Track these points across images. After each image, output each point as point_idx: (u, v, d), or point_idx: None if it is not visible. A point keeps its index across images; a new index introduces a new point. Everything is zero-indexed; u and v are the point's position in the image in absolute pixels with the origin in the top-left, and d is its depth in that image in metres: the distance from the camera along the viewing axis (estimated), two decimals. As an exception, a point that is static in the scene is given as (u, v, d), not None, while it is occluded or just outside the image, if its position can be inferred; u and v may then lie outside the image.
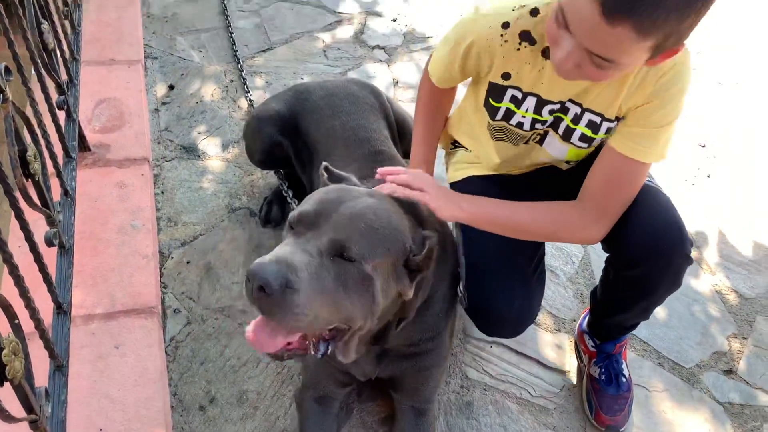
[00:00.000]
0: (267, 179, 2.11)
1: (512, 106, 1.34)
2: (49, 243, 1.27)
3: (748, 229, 2.09)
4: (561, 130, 1.34)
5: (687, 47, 1.11)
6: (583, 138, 1.32)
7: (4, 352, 0.87)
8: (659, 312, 1.83)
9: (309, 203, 1.13)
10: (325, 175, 1.27)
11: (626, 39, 0.98)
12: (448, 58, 1.38)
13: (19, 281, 1.03)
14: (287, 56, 2.70)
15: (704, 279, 1.93)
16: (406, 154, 1.86)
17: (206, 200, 2.04)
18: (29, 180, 1.18)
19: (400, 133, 1.88)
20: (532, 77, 1.28)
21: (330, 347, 1.15)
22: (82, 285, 1.42)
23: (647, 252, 1.29)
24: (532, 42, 1.24)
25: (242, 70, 2.53)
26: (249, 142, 1.90)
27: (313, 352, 1.14)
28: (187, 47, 2.68)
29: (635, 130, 1.22)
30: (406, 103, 2.47)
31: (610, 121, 1.27)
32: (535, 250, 1.45)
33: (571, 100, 1.28)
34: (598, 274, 1.88)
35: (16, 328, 0.93)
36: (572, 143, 1.34)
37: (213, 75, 2.55)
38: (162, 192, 2.03)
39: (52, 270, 1.18)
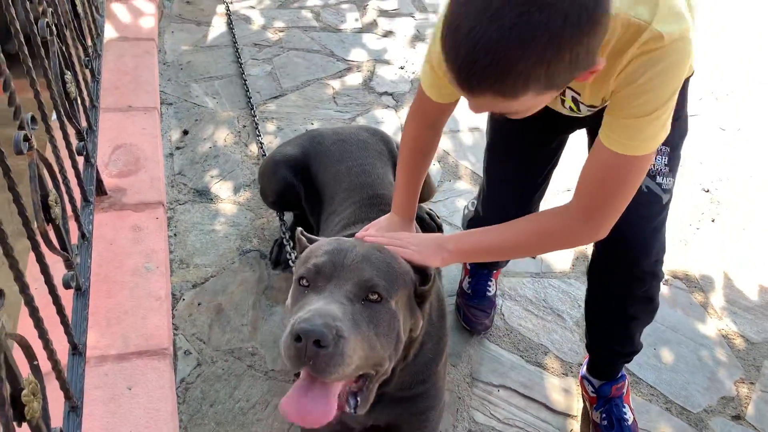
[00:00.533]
0: (277, 222, 2.15)
1: None
2: (67, 285, 1.30)
3: (754, 273, 2.11)
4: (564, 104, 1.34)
5: (672, 32, 1.00)
6: (571, 110, 1.32)
7: (24, 392, 0.90)
8: (666, 356, 1.83)
9: (318, 258, 1.15)
10: (303, 238, 1.31)
11: (500, 101, 0.95)
12: (431, 72, 1.31)
13: (39, 323, 1.07)
14: (298, 102, 2.77)
15: (710, 323, 1.94)
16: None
17: (218, 243, 2.09)
18: (49, 224, 1.23)
19: None
20: None
21: (359, 399, 1.16)
22: (96, 326, 1.45)
23: (609, 263, 1.39)
24: None
25: (255, 116, 2.61)
26: (264, 184, 1.96)
27: (347, 409, 1.14)
28: (201, 94, 2.76)
29: (618, 122, 1.11)
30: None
31: (590, 106, 1.25)
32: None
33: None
34: (604, 318, 1.91)
35: (35, 369, 0.96)
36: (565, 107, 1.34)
37: (226, 120, 2.62)
38: (175, 234, 2.07)
39: (68, 311, 1.21)
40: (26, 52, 1.29)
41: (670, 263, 2.10)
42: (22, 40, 1.28)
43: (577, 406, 1.71)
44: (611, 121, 1.12)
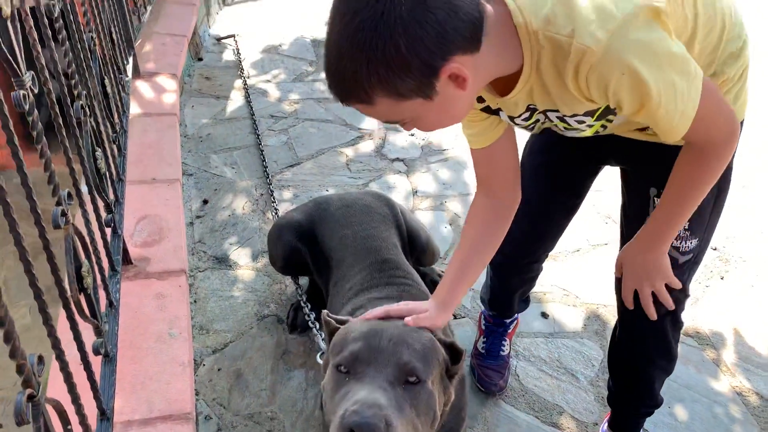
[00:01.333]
0: (293, 287, 2.21)
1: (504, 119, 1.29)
2: (96, 352, 1.36)
3: (765, 329, 2.13)
4: (553, 125, 1.26)
5: (599, 38, 0.95)
6: (566, 129, 1.25)
7: None
8: (680, 414, 1.84)
9: (354, 344, 1.19)
10: (331, 321, 1.33)
11: (365, 107, 1.01)
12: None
13: (72, 389, 1.13)
14: (313, 170, 2.88)
15: (724, 380, 1.95)
16: (417, 262, 1.99)
17: (236, 308, 2.15)
18: (82, 293, 1.30)
19: (412, 242, 1.99)
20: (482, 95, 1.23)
21: None
22: (122, 391, 1.49)
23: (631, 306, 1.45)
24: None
25: (270, 184, 2.71)
26: (271, 249, 2.03)
27: None
28: (221, 164, 2.88)
29: (660, 126, 1.08)
30: (423, 211, 2.61)
31: (575, 115, 1.17)
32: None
33: (527, 107, 1.20)
34: (617, 377, 1.93)
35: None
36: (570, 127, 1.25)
37: (244, 189, 2.72)
38: (195, 301, 2.14)
39: (95, 377, 1.27)
40: (62, 132, 1.39)
41: (687, 322, 2.12)
42: (57, 111, 1.39)
43: (593, 466, 1.72)
44: (660, 129, 1.09)
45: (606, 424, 1.73)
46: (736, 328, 2.13)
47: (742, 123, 1.27)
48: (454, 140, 3.12)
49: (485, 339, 1.96)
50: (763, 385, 1.94)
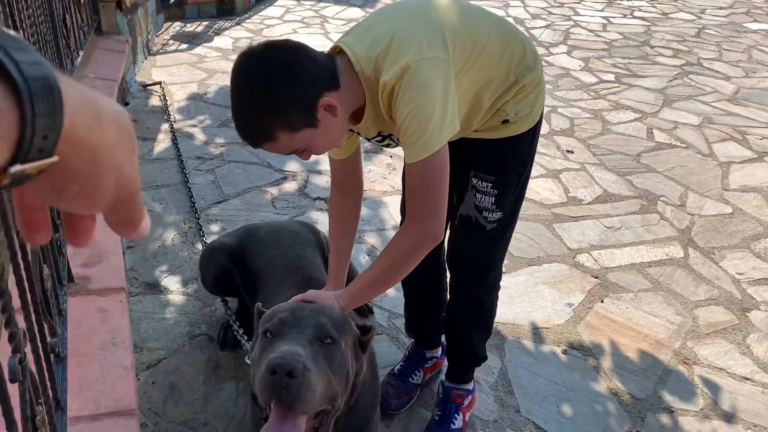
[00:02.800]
0: (223, 309, 2.38)
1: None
2: (53, 350, 1.50)
3: (636, 342, 2.49)
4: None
5: (392, 77, 1.35)
6: (390, 143, 1.66)
7: (38, 418, 1.11)
8: (566, 411, 2.14)
9: (281, 314, 1.44)
10: (262, 310, 1.59)
11: (272, 144, 1.37)
12: None
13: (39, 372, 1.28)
14: (239, 207, 3.08)
15: (602, 384, 2.28)
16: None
17: (169, 329, 2.29)
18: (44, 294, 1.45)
19: None
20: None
21: None
22: (70, 392, 1.62)
23: (451, 274, 1.90)
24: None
25: (199, 218, 2.88)
26: (203, 270, 2.21)
27: None
28: (149, 200, 3.03)
29: (404, 143, 1.41)
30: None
31: (390, 136, 1.60)
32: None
33: (379, 133, 1.60)
34: (514, 382, 2.21)
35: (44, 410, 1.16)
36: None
37: (173, 223, 2.88)
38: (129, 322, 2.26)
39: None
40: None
41: (569, 336, 2.46)
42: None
43: (493, 455, 1.97)
44: (404, 146, 1.43)
45: (444, 376, 2.08)
46: (613, 340, 2.48)
47: (540, 123, 1.70)
48: (371, 183, 3.41)
49: (402, 363, 2.19)
50: (634, 386, 2.27)
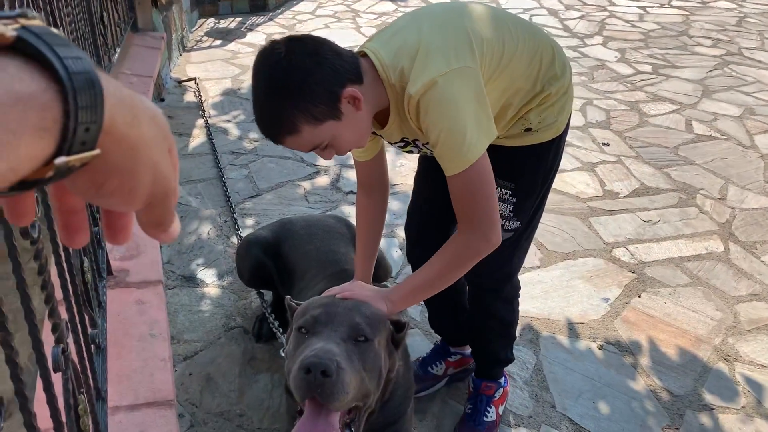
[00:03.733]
0: (258, 302, 2.41)
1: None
2: (93, 341, 1.53)
3: (675, 338, 2.44)
4: (420, 150, 1.65)
5: (417, 90, 1.33)
6: (420, 150, 1.63)
7: (81, 407, 1.14)
8: (603, 408, 2.11)
9: (314, 310, 1.44)
10: (293, 304, 1.58)
11: (295, 138, 1.34)
12: None
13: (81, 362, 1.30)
14: (273, 201, 3.10)
15: (640, 380, 2.24)
16: (372, 277, 2.22)
17: (205, 321, 2.32)
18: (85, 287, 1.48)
19: None
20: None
21: (352, 429, 1.40)
22: (110, 382, 1.65)
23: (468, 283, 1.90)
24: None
25: (234, 212, 2.91)
26: (239, 263, 2.24)
27: None
28: (185, 195, 3.07)
29: (443, 155, 1.39)
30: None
31: (423, 143, 1.56)
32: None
33: (402, 138, 1.58)
34: (549, 378, 2.19)
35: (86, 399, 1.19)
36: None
37: (209, 217, 2.91)
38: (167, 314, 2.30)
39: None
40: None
41: (605, 331, 2.42)
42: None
43: (528, 450, 1.95)
44: (441, 161, 1.41)
45: (473, 373, 2.07)
46: (651, 336, 2.43)
47: (566, 133, 1.65)
48: (402, 177, 3.41)
49: (428, 353, 2.19)
50: (673, 383, 2.23)
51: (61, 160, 0.34)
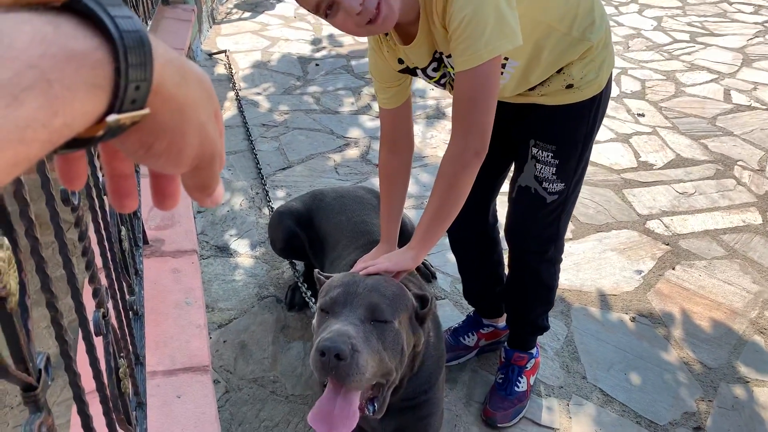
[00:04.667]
0: (290, 272, 2.44)
1: (423, 78, 1.60)
2: (131, 308, 1.57)
3: (708, 311, 2.40)
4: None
5: None
6: (446, 72, 1.55)
7: (121, 370, 1.17)
8: (635, 379, 2.10)
9: (334, 290, 1.44)
10: (321, 277, 1.59)
11: None
12: (377, 84, 1.64)
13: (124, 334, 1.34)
14: (304, 173, 3.12)
15: (672, 352, 2.22)
16: (402, 245, 2.22)
17: (238, 290, 2.36)
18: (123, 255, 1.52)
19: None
20: (399, 55, 1.53)
21: (375, 404, 1.42)
22: (148, 348, 1.70)
23: (509, 248, 1.87)
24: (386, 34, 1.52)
25: (265, 184, 2.93)
26: (272, 233, 2.26)
27: (366, 413, 1.40)
28: (217, 166, 3.10)
29: (458, 46, 1.31)
30: (407, 209, 2.85)
31: (445, 66, 1.51)
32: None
33: (433, 55, 1.49)
34: (580, 349, 2.18)
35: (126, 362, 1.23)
36: None
37: (241, 189, 2.94)
38: (201, 283, 2.35)
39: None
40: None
41: (638, 303, 2.40)
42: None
43: (558, 419, 1.95)
44: (455, 54, 1.32)
45: (506, 342, 2.06)
46: (685, 309, 2.40)
47: (607, 89, 1.60)
48: (433, 149, 3.39)
49: (461, 323, 2.20)
50: (707, 356, 2.21)
51: (112, 117, 0.35)
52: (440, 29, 1.37)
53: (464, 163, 1.39)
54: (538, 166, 1.65)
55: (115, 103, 0.35)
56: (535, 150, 1.64)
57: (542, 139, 1.62)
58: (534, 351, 2.04)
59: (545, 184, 1.66)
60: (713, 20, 5.50)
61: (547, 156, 1.63)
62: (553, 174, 1.65)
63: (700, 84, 4.27)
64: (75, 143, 0.36)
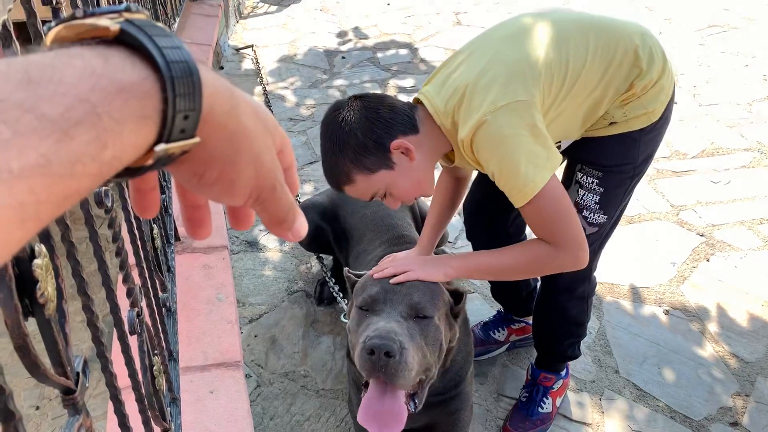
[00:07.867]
0: (319, 266, 2.45)
1: None
2: (164, 305, 1.60)
3: (745, 304, 2.35)
4: None
5: (466, 134, 1.35)
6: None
7: (155, 368, 1.19)
8: (668, 374, 2.07)
9: (371, 288, 1.44)
10: (351, 276, 1.60)
11: (352, 187, 1.45)
12: None
13: (158, 333, 1.36)
14: (332, 167, 3.12)
15: (708, 347, 2.18)
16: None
17: (268, 285, 2.38)
18: (155, 253, 1.54)
19: (424, 222, 2.22)
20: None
21: (416, 400, 1.41)
22: (180, 344, 1.72)
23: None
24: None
25: (294, 179, 2.94)
26: None
27: (410, 409, 1.38)
28: (246, 161, 3.12)
29: (503, 188, 1.37)
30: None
31: None
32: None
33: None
34: (612, 343, 2.16)
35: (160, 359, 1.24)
36: None
37: (269, 183, 2.96)
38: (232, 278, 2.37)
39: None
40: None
41: (672, 296, 2.36)
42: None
43: (590, 415, 1.94)
44: (505, 192, 1.38)
45: (534, 360, 1.99)
46: (720, 301, 2.36)
47: (664, 120, 1.54)
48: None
49: (491, 317, 2.18)
50: (743, 349, 2.16)
51: (160, 147, 0.35)
52: (478, 167, 1.50)
53: (560, 264, 1.41)
54: (581, 192, 1.58)
55: (163, 132, 0.35)
56: (579, 174, 1.57)
57: (589, 164, 1.55)
58: (563, 372, 1.96)
59: (585, 213, 1.59)
60: (748, 3, 5.36)
61: (592, 183, 1.56)
62: (596, 203, 1.58)
63: (736, 69, 4.16)
64: (125, 172, 0.36)
